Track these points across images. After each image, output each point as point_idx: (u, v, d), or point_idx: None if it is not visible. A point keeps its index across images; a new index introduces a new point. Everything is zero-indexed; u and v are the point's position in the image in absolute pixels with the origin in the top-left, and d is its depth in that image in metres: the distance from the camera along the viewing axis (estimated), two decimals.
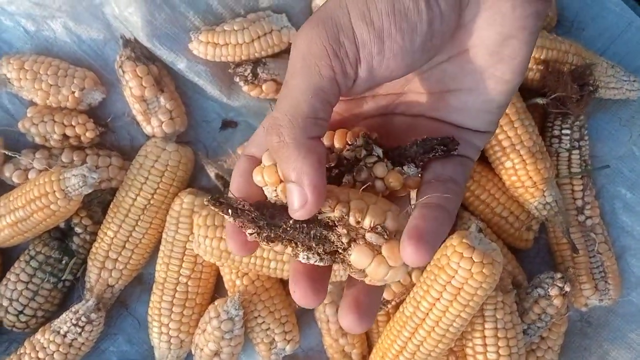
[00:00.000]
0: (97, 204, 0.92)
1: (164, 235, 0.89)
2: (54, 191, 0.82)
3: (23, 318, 0.90)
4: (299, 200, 0.40)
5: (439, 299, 0.78)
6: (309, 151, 0.40)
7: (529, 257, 0.98)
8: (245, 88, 0.89)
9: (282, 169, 0.41)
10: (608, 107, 0.99)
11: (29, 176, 0.89)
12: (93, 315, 0.87)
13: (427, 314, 0.79)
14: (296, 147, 0.40)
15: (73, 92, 0.88)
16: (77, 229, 0.91)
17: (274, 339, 0.87)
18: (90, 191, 0.83)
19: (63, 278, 0.90)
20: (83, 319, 0.86)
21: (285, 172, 0.41)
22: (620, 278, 0.96)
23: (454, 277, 0.77)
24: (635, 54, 1.01)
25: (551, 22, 0.97)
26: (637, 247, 0.96)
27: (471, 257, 0.76)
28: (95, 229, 0.91)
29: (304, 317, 0.93)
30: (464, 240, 0.78)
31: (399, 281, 0.86)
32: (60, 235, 0.91)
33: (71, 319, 0.86)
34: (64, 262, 0.90)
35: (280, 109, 0.41)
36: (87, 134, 0.90)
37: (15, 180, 0.89)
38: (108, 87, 0.93)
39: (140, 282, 0.96)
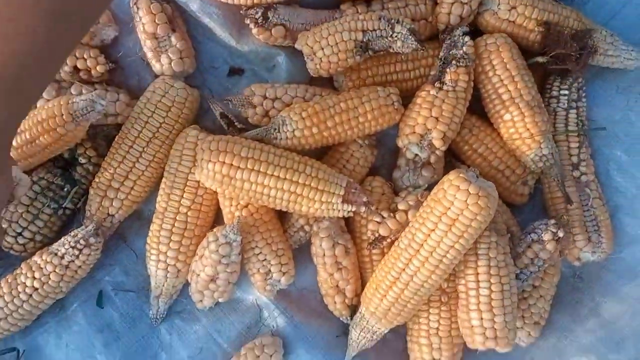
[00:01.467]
0: (103, 137, 0.94)
1: (166, 168, 0.91)
2: (62, 114, 0.84)
3: (21, 240, 0.91)
4: None
5: (434, 229, 0.80)
6: None
7: (524, 214, 0.99)
8: (255, 31, 0.92)
9: None
10: (606, 76, 1.02)
11: (37, 105, 0.91)
12: (92, 240, 0.88)
13: (422, 244, 0.81)
14: None
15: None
16: (81, 159, 0.92)
17: (270, 269, 0.88)
18: (98, 117, 0.86)
19: (64, 205, 0.92)
20: (82, 242, 0.87)
21: None
22: (613, 234, 0.97)
23: (449, 208, 0.79)
24: (634, 28, 1.04)
25: None
26: (629, 206, 0.98)
27: (467, 189, 0.78)
28: (98, 161, 0.93)
29: (299, 257, 0.94)
30: (461, 175, 0.80)
31: (395, 218, 0.87)
32: (64, 164, 0.93)
33: (69, 242, 0.87)
34: (65, 189, 0.92)
35: None
36: (98, 68, 0.92)
37: None
38: (120, 27, 0.96)
39: (140, 218, 0.97)
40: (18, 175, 0.79)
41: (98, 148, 0.93)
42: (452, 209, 0.78)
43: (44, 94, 0.92)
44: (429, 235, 0.80)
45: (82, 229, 0.88)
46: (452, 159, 0.97)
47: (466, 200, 0.78)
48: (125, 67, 0.97)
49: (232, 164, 0.81)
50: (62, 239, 0.88)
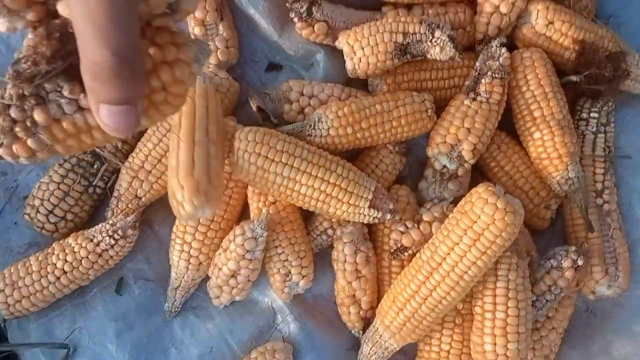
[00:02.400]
0: None
1: None
2: None
3: (52, 219, 0.92)
4: None
5: (458, 243, 0.81)
6: None
7: (544, 239, 1.00)
8: (298, 25, 0.94)
9: None
10: (635, 103, 1.03)
11: None
12: (129, 231, 0.89)
13: (445, 258, 0.82)
14: None
15: None
16: None
17: (290, 271, 0.89)
18: None
19: (94, 183, 0.93)
20: (120, 232, 0.88)
21: None
22: (630, 269, 0.97)
23: (476, 222, 0.80)
24: None
25: (589, 13, 1.02)
26: None
27: (495, 203, 0.79)
28: (127, 138, 0.94)
29: (319, 263, 0.95)
30: (489, 188, 0.81)
31: (419, 229, 0.88)
32: None
33: (107, 230, 0.88)
34: (95, 166, 0.93)
35: None
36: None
37: None
38: None
39: (167, 206, 0.97)
40: None
41: None
42: (479, 223, 0.79)
43: None
44: (453, 248, 0.81)
45: (122, 218, 0.89)
46: (479, 174, 0.99)
47: (493, 215, 0.79)
48: None
49: (267, 156, 0.83)
50: (100, 226, 0.89)
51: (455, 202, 0.92)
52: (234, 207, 0.93)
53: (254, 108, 0.96)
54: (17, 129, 0.44)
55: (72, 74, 0.43)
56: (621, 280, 0.95)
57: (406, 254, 0.90)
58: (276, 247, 0.90)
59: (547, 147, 0.92)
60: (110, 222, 0.90)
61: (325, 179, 0.84)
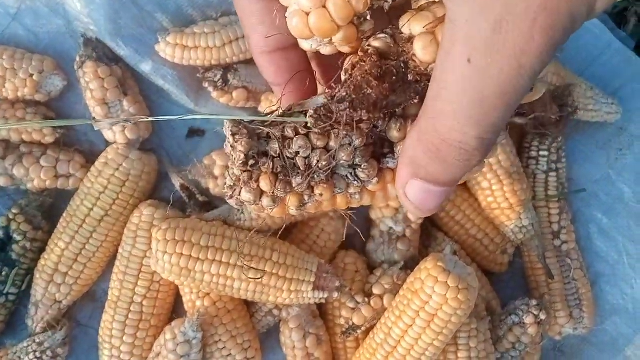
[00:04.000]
0: (36, 207, 0.85)
1: (120, 250, 0.83)
2: None
3: None
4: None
5: (411, 325, 0.74)
6: None
7: (503, 282, 0.95)
8: (214, 94, 0.85)
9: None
10: (585, 130, 0.98)
11: None
12: (59, 350, 0.80)
13: (399, 341, 0.75)
14: None
15: (31, 75, 0.81)
16: (16, 236, 0.83)
17: None
18: None
19: (5, 291, 0.83)
20: (49, 352, 0.79)
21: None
22: (595, 306, 0.93)
23: (428, 302, 0.73)
24: (613, 76, 1.00)
25: None
26: (611, 273, 0.95)
27: (446, 282, 0.72)
28: (35, 235, 0.84)
29: (267, 342, 0.88)
30: (438, 264, 0.74)
31: (369, 305, 0.82)
32: (0, 245, 0.84)
33: (35, 351, 0.79)
34: (4, 273, 0.83)
35: None
36: (47, 138, 0.84)
37: None
38: (67, 88, 0.86)
39: (93, 299, 0.89)
40: None
41: (33, 221, 0.84)
42: (431, 303, 0.73)
43: None
44: (407, 331, 0.74)
45: (49, 335, 0.80)
46: (429, 226, 0.92)
47: (445, 295, 0.72)
48: (74, 129, 0.88)
49: (190, 255, 0.74)
50: (25, 344, 0.80)
51: (406, 266, 0.86)
52: (164, 300, 0.84)
53: (177, 187, 0.86)
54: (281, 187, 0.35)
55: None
56: (586, 320, 0.91)
57: (359, 331, 0.83)
58: (216, 342, 0.81)
59: (497, 197, 0.86)
60: (37, 340, 0.81)
61: (260, 269, 0.76)
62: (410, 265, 0.84)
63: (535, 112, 0.88)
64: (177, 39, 0.81)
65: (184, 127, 0.91)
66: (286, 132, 0.34)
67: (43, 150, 0.85)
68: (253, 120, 0.35)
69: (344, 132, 0.34)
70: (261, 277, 0.76)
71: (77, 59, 0.83)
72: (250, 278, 0.75)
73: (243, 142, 0.34)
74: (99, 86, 0.81)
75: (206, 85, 0.84)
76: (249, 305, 0.86)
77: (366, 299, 0.82)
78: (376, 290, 0.82)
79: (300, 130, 0.35)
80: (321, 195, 0.35)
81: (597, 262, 0.96)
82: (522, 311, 0.84)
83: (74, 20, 0.84)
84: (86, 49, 0.82)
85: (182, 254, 0.74)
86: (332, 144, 0.35)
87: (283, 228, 0.85)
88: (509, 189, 0.85)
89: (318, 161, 0.34)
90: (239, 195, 0.35)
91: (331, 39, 0.34)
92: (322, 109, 0.34)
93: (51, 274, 0.82)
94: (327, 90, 0.35)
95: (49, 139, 0.85)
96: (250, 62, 0.85)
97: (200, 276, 0.75)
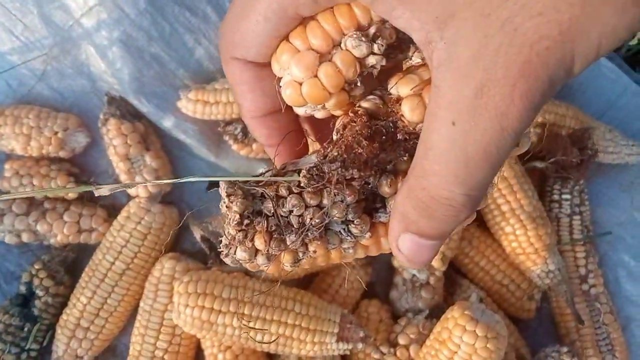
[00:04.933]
0: (59, 262, 0.85)
1: (141, 304, 0.82)
2: None
3: None
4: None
5: None
6: None
7: (532, 328, 0.92)
8: (234, 147, 0.86)
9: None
10: (607, 172, 0.97)
11: (4, 221, 0.84)
12: None
13: None
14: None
15: (56, 133, 0.84)
16: (39, 292, 0.84)
17: None
18: None
19: (27, 347, 0.83)
20: None
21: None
22: (627, 351, 0.90)
23: (456, 352, 0.71)
24: (632, 118, 1.00)
25: None
26: None
27: (474, 331, 0.71)
28: (57, 291, 0.84)
29: None
30: (465, 312, 0.72)
31: (395, 355, 0.79)
32: (22, 300, 0.84)
33: None
34: (26, 329, 0.83)
35: None
36: (70, 194, 0.85)
37: None
38: (91, 144, 0.89)
39: (114, 354, 0.88)
40: None
41: (55, 276, 0.85)
42: (460, 353, 0.71)
43: (15, 209, 0.84)
44: None
45: None
46: (453, 273, 0.91)
47: (474, 344, 0.70)
48: (98, 183, 0.89)
49: (212, 308, 0.73)
50: None
51: (431, 314, 0.84)
52: (185, 354, 0.83)
53: (198, 238, 0.87)
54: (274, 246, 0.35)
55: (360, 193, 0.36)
56: None
57: None
58: None
59: (522, 242, 0.85)
60: None
61: (282, 321, 0.75)
62: (435, 313, 0.82)
63: (556, 156, 0.87)
64: (198, 95, 0.83)
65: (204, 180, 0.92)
66: (280, 192, 0.35)
67: (66, 206, 0.87)
68: (247, 181, 0.35)
69: (336, 190, 0.35)
70: (269, 337, 0.75)
71: (101, 116, 0.85)
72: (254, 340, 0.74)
73: (238, 203, 0.34)
74: (122, 142, 0.83)
75: (226, 138, 0.85)
76: (271, 359, 0.84)
77: (392, 349, 0.80)
78: (402, 341, 0.80)
79: (293, 189, 0.35)
80: (315, 252, 0.36)
81: (627, 306, 0.93)
82: (554, 358, 0.81)
83: (97, 79, 0.87)
84: (110, 107, 0.85)
85: (203, 306, 0.73)
86: (325, 201, 0.35)
87: (303, 277, 0.84)
88: (533, 233, 0.84)
89: (311, 219, 0.35)
90: (234, 254, 0.36)
91: (324, 105, 0.36)
92: (314, 168, 0.35)
93: (73, 329, 0.82)
94: (319, 149, 0.36)
95: (72, 195, 0.86)
96: None
97: (222, 329, 0.74)
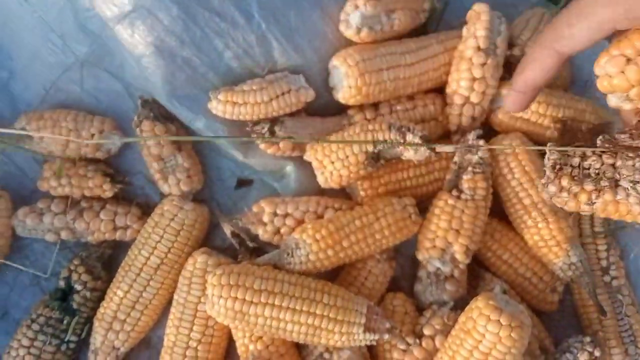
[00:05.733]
0: (96, 258, 0.90)
1: (175, 297, 0.86)
2: None
3: None
4: None
5: None
6: None
7: (554, 320, 0.94)
8: (262, 146, 0.89)
9: None
10: None
11: (43, 220, 0.88)
12: None
13: None
14: None
15: (92, 135, 0.88)
16: (77, 286, 0.88)
17: None
18: None
19: (66, 339, 0.87)
20: None
21: None
22: None
23: (481, 341, 0.73)
24: None
25: (565, 82, 0.98)
26: None
27: (499, 320, 0.73)
28: (95, 285, 0.88)
29: None
30: (490, 302, 0.74)
31: (421, 346, 0.82)
32: (62, 295, 0.88)
33: None
34: (65, 322, 0.87)
35: None
36: (106, 193, 0.89)
37: (29, 222, 0.88)
38: (125, 146, 0.93)
39: (148, 347, 0.92)
40: None
41: (93, 271, 0.89)
42: (484, 342, 0.73)
43: (53, 207, 0.89)
44: None
45: None
46: (476, 266, 0.93)
47: (499, 333, 0.72)
48: (131, 187, 0.93)
49: (244, 299, 0.77)
50: None
51: (456, 306, 0.86)
52: (218, 345, 0.86)
53: (228, 234, 0.90)
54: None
55: None
56: None
57: None
58: None
59: (544, 235, 0.86)
60: None
61: (311, 312, 0.78)
62: (459, 305, 0.84)
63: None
64: (227, 96, 0.86)
65: (232, 178, 0.96)
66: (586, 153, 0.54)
67: (102, 204, 0.91)
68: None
69: (630, 155, 0.51)
70: (299, 327, 0.78)
71: (135, 118, 0.89)
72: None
73: (553, 155, 0.56)
74: (155, 143, 0.87)
75: (254, 137, 0.88)
76: (299, 350, 0.87)
77: (417, 340, 0.82)
78: (427, 331, 0.83)
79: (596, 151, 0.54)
80: (604, 197, 0.51)
81: None
82: (577, 349, 0.82)
83: (131, 83, 0.91)
84: (143, 109, 0.89)
85: (236, 297, 0.76)
86: (618, 162, 0.52)
87: (331, 270, 0.87)
88: (555, 226, 0.86)
89: (604, 172, 0.51)
90: (547, 187, 0.55)
91: (628, 95, 0.52)
92: (610, 136, 0.53)
93: (110, 321, 0.86)
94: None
95: (108, 194, 0.90)
96: (295, 114, 0.90)
97: (254, 319, 0.77)
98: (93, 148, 0.89)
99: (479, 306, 0.75)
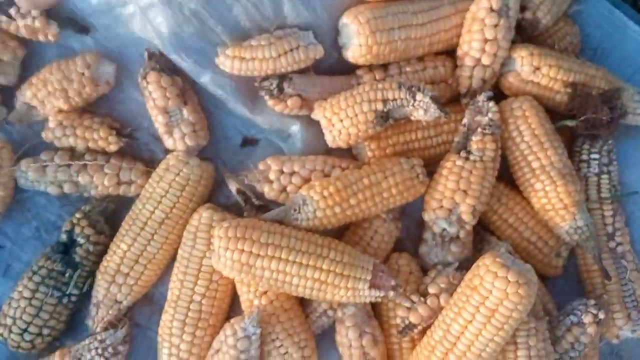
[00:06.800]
0: (99, 212, 0.89)
1: (179, 251, 0.85)
2: None
3: (27, 337, 0.85)
4: None
5: (471, 321, 0.74)
6: None
7: (558, 286, 0.94)
8: (270, 102, 0.88)
9: None
10: (635, 135, 0.98)
11: (46, 172, 0.87)
12: (120, 348, 0.82)
13: (459, 337, 0.75)
14: None
15: (82, 74, 0.86)
16: (80, 239, 0.87)
17: None
18: None
19: (68, 292, 0.86)
20: (110, 349, 0.81)
21: None
22: None
23: (487, 297, 0.73)
24: None
25: (575, 49, 0.97)
26: None
27: (506, 277, 0.73)
28: (98, 239, 0.88)
29: (322, 343, 0.88)
30: (497, 260, 0.74)
31: (426, 303, 0.82)
32: (64, 248, 0.87)
33: (96, 348, 0.81)
34: (67, 274, 0.86)
35: None
36: (111, 147, 0.88)
37: (31, 174, 0.87)
38: (131, 100, 0.91)
39: (151, 303, 0.91)
40: None
41: (96, 225, 0.88)
42: (491, 299, 0.73)
43: (57, 159, 0.89)
44: (466, 327, 0.74)
45: (111, 334, 0.83)
46: (481, 230, 0.92)
47: (506, 289, 0.72)
48: (135, 143, 0.92)
49: (251, 252, 0.76)
50: (87, 342, 0.83)
51: (461, 266, 0.86)
52: (222, 300, 0.86)
53: (234, 191, 0.89)
54: None
55: None
56: None
57: (415, 330, 0.83)
58: (273, 340, 0.82)
59: (551, 198, 0.86)
60: (98, 337, 0.83)
61: (317, 267, 0.77)
62: (465, 266, 0.84)
63: (586, 114, 0.89)
64: (235, 51, 0.85)
65: (238, 137, 0.95)
66: None
67: (107, 159, 0.90)
68: None
69: None
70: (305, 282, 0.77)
71: (141, 70, 0.88)
72: None
73: None
74: (161, 95, 0.86)
75: (262, 93, 0.87)
76: (303, 307, 0.87)
77: (422, 298, 0.82)
78: (432, 290, 0.83)
79: None
80: None
81: None
82: (581, 311, 0.83)
83: (139, 34, 0.89)
84: (150, 61, 0.87)
85: (243, 250, 0.76)
86: None
87: (337, 229, 0.86)
88: (563, 189, 0.85)
89: None
90: None
91: None
92: None
93: (113, 274, 0.85)
94: None
95: (112, 148, 0.89)
96: (303, 71, 0.89)
97: (260, 272, 0.77)
98: (91, 86, 0.87)
99: (486, 263, 0.75)
